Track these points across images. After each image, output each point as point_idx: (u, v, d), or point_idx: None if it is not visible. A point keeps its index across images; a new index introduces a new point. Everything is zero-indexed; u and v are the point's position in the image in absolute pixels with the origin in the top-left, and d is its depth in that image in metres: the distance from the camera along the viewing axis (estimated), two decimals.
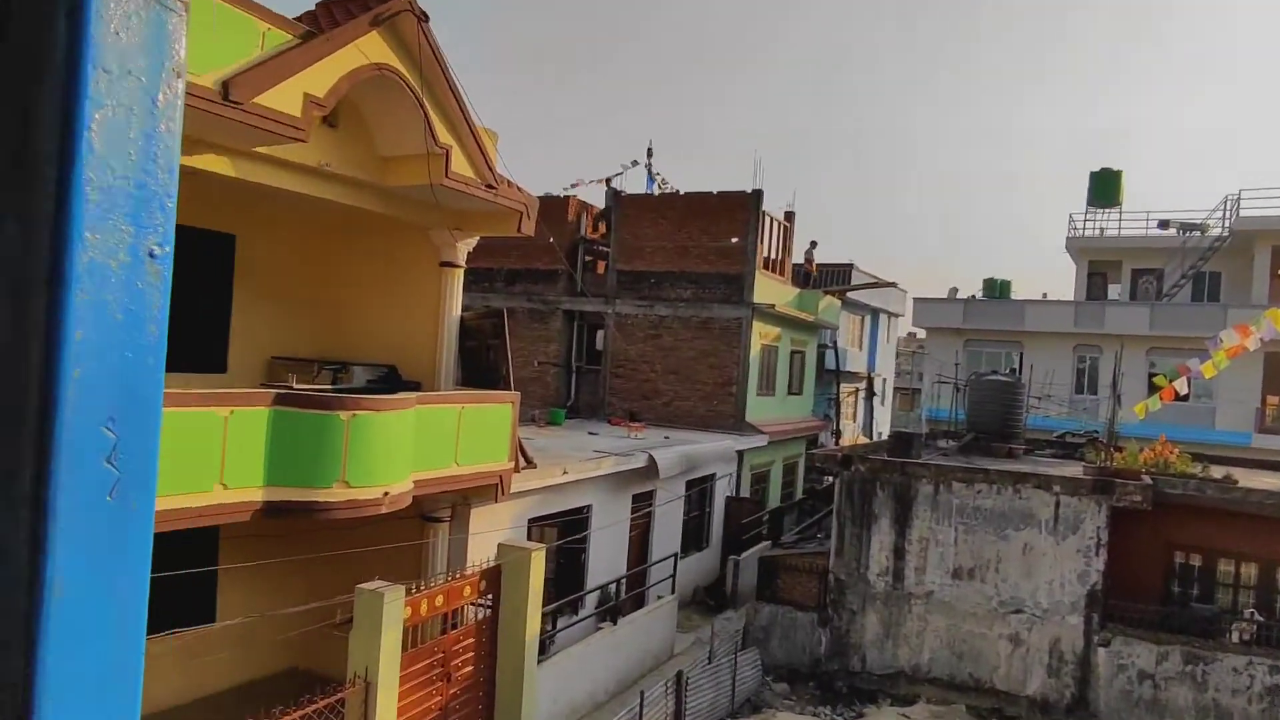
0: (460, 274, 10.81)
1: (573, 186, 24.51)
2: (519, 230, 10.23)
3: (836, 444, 25.02)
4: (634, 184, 24.84)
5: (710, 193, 21.76)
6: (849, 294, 29.40)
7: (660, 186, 24.35)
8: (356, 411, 7.72)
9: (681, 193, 22.65)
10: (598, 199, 24.61)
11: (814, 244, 27.69)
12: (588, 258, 23.91)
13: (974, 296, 33.20)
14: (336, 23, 7.73)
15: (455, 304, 10.77)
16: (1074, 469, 15.15)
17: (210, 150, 7.54)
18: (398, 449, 8.25)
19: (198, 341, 10.05)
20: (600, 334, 22.59)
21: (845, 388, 29.48)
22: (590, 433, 18.20)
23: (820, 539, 17.82)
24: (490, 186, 9.53)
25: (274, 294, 10.92)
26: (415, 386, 10.58)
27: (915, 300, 33.54)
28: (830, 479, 19.02)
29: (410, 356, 10.83)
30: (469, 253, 11.39)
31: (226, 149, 7.65)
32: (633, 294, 22.12)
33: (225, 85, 6.68)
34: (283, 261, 11.03)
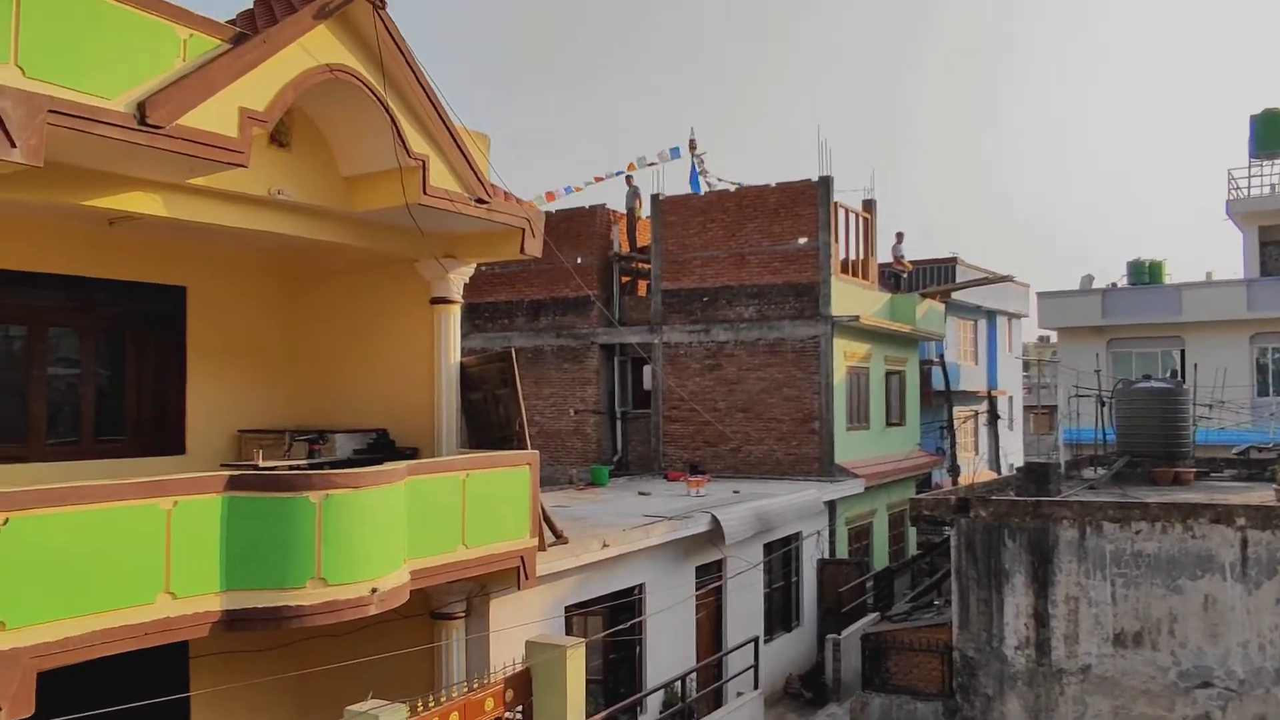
0: (456, 311, 10.76)
1: (594, 181, 24.52)
2: (522, 251, 10.16)
3: (954, 483, 24.33)
4: (673, 183, 24.63)
5: (768, 185, 21.60)
6: (954, 295, 28.82)
7: (708, 183, 24.22)
8: (330, 491, 7.62)
9: (733, 188, 22.51)
10: (618, 198, 24.56)
11: (900, 236, 27.32)
12: (625, 278, 23.91)
13: (1115, 285, 32.29)
14: (276, 20, 7.77)
15: (453, 348, 10.72)
16: (1263, 493, 14.41)
17: (134, 187, 7.60)
18: (387, 533, 8.12)
19: (147, 418, 10.13)
20: (647, 370, 22.47)
21: (960, 411, 28.81)
22: (641, 493, 18.01)
23: (939, 606, 17.24)
24: (481, 200, 9.47)
25: (237, 354, 10.99)
26: (411, 454, 10.51)
27: (1040, 296, 32.73)
28: (947, 529, 18.45)
29: (403, 417, 10.80)
30: (469, 284, 11.36)
31: (153, 184, 7.70)
32: (683, 317, 21.99)
33: (141, 107, 6.72)
34: (245, 314, 11.12)
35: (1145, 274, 31.22)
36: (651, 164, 23.73)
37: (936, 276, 30.07)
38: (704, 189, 23.90)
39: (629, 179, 24.08)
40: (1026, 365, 46.45)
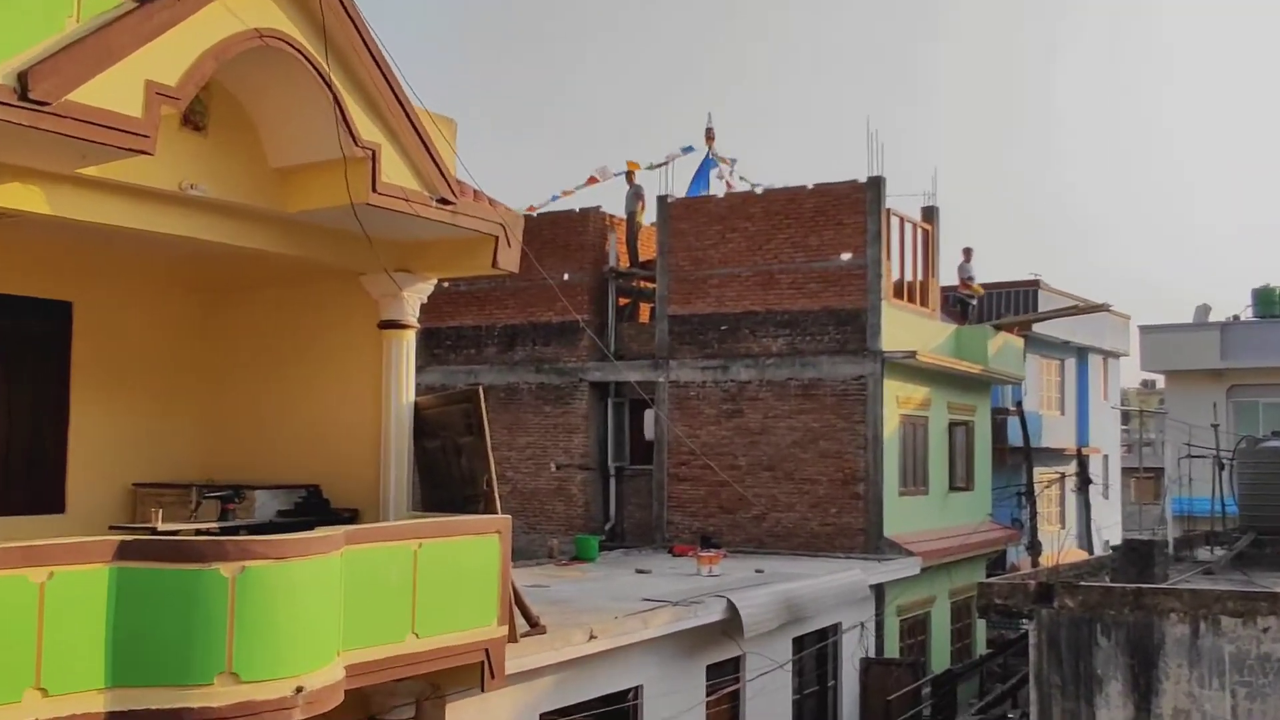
0: (411, 338, 10.80)
1: (588, 184, 24.59)
2: (495, 264, 10.21)
3: (1034, 564, 24.25)
4: (685, 183, 24.69)
5: (803, 187, 21.75)
6: (1036, 327, 28.90)
7: (729, 182, 24.33)
8: (247, 563, 7.59)
9: (760, 189, 22.65)
10: (616, 201, 24.66)
11: (969, 253, 27.39)
12: (623, 300, 23.96)
13: (1237, 317, 32.39)
14: None
15: (406, 384, 10.74)
16: None
17: (9, 177, 7.63)
18: (317, 617, 8.08)
19: (17, 466, 10.11)
20: (649, 416, 22.46)
21: (1042, 474, 28.74)
22: (639, 570, 17.97)
23: None
24: (444, 201, 9.51)
25: (134, 387, 10.99)
26: (351, 517, 10.51)
27: (1143, 331, 32.89)
28: (1025, 622, 18.35)
29: (341, 471, 10.78)
30: (428, 304, 11.39)
31: (35, 174, 7.74)
32: (694, 350, 22.06)
33: (22, 78, 6.76)
34: (145, 338, 11.14)
35: (1275, 302, 31.33)
36: (660, 164, 23.87)
37: (1013, 304, 30.18)
38: (718, 189, 24.01)
39: (630, 176, 24.23)
40: (1126, 417, 46.41)
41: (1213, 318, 32.77)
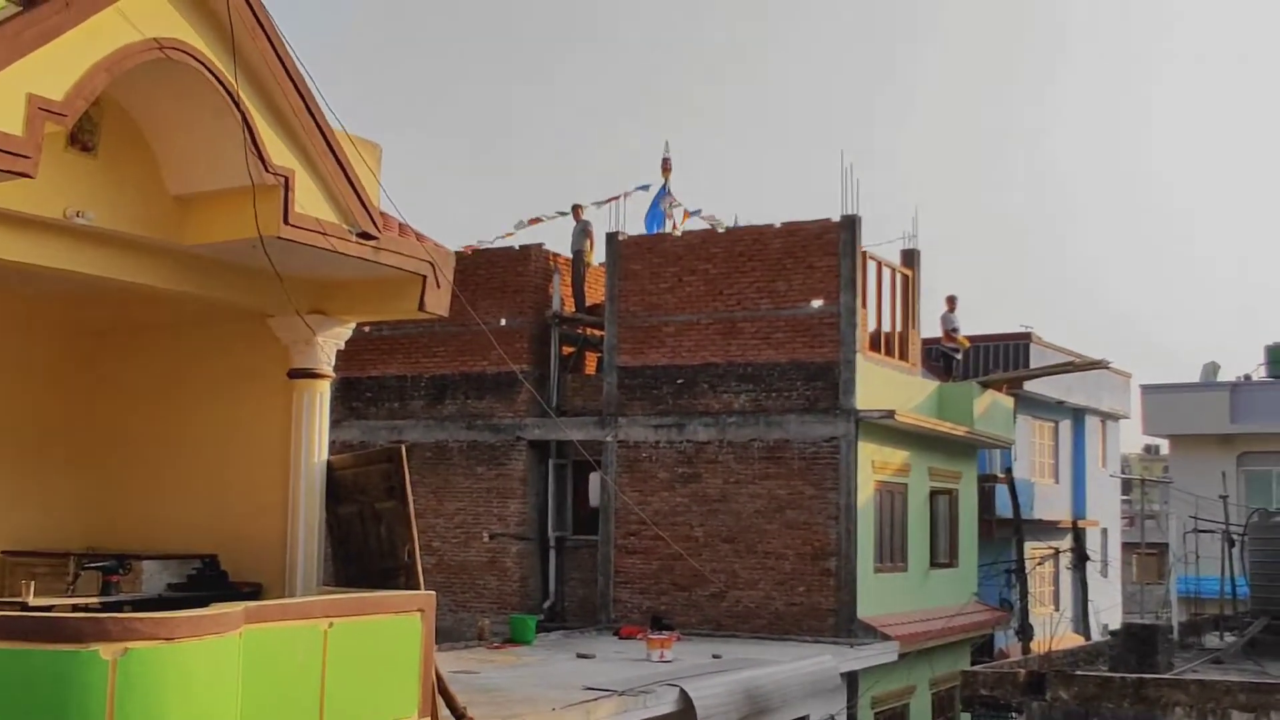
0: (326, 389, 10.77)
1: (527, 224, 24.63)
2: (422, 307, 10.20)
3: (1025, 650, 24.33)
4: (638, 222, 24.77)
5: (770, 226, 21.94)
6: (1027, 385, 29.18)
7: (673, 219, 24.43)
8: (131, 644, 7.49)
9: (722, 228, 22.82)
10: (562, 239, 24.73)
11: (953, 302, 27.67)
12: (568, 349, 23.96)
13: (1249, 377, 32.89)
14: None
15: (319, 441, 10.68)
16: None
17: None
18: (211, 706, 7.98)
19: None
20: (594, 480, 22.43)
21: (1035, 549, 28.93)
22: (581, 655, 17.89)
23: None
24: (366, 235, 9.51)
25: (3, 444, 10.82)
26: (252, 592, 10.39)
27: (1145, 391, 33.29)
28: (1014, 716, 18.38)
29: (241, 539, 10.69)
30: (346, 351, 11.37)
31: None
32: (647, 406, 22.10)
33: None
34: (17, 386, 10.99)
35: None
36: (612, 199, 23.99)
37: (1002, 359, 30.48)
38: (678, 227, 24.14)
39: (577, 210, 24.33)
40: (1127, 486, 46.80)
41: (1222, 377, 33.22)
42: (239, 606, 8.51)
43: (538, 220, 24.99)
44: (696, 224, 24.13)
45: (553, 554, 23.03)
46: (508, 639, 19.72)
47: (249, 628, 8.43)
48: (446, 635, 19.90)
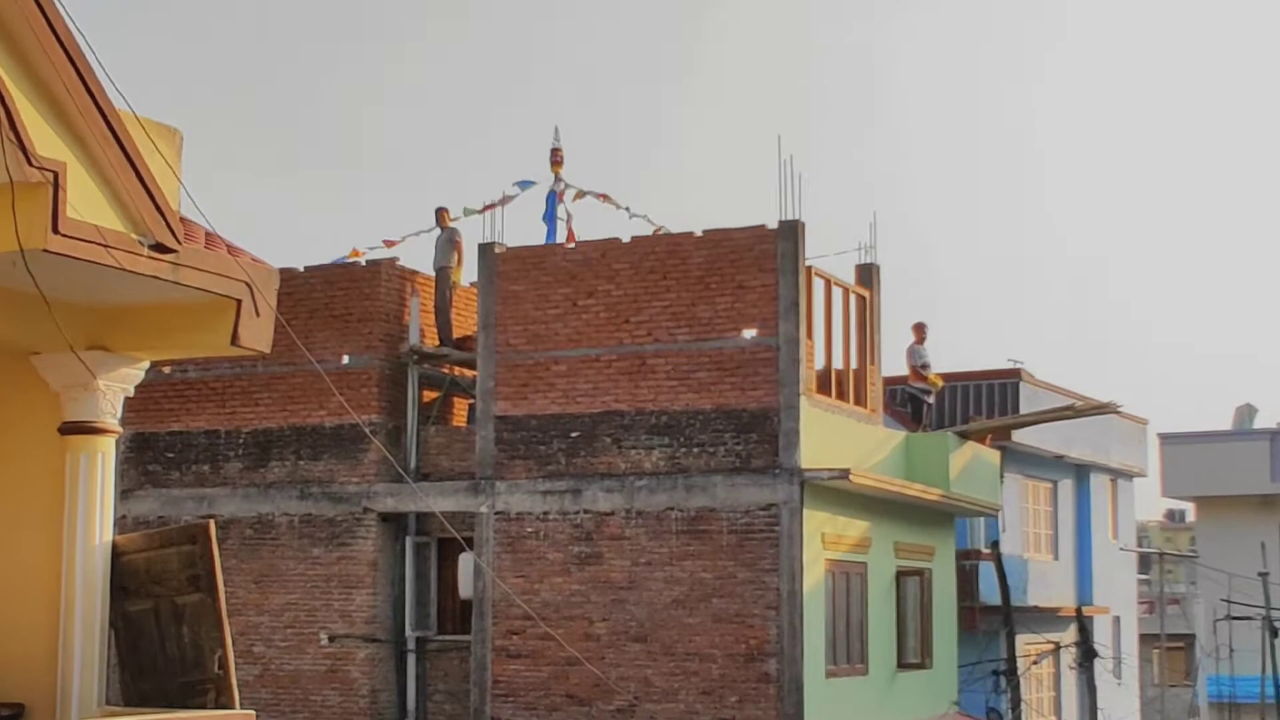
0: (109, 448, 10.69)
1: (385, 246, 24.62)
2: (236, 340, 10.14)
3: None
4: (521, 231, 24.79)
5: (689, 234, 22.04)
6: (1017, 435, 29.50)
7: (569, 225, 24.53)
8: None
9: (628, 238, 22.89)
10: (424, 256, 24.77)
11: (922, 331, 27.79)
12: (430, 394, 23.85)
13: None
14: None
15: (102, 517, 10.56)
16: None
17: None
18: None
19: None
20: (465, 563, 22.29)
21: (1029, 643, 29.24)
22: None
23: None
24: (162, 247, 9.41)
25: None
26: (12, 716, 10.31)
27: (1165, 441, 33.75)
28: None
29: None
30: (138, 398, 11.24)
31: None
32: (533, 466, 22.10)
33: None
34: None
35: None
36: (488, 207, 23.93)
37: (986, 401, 30.80)
38: (567, 236, 24.20)
39: (442, 216, 24.29)
40: (1145, 562, 47.40)
41: (1260, 422, 33.82)
42: None
43: (391, 244, 25.07)
44: (592, 211, 24.24)
45: (411, 660, 22.88)
46: None
47: None
48: None
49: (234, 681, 10.16)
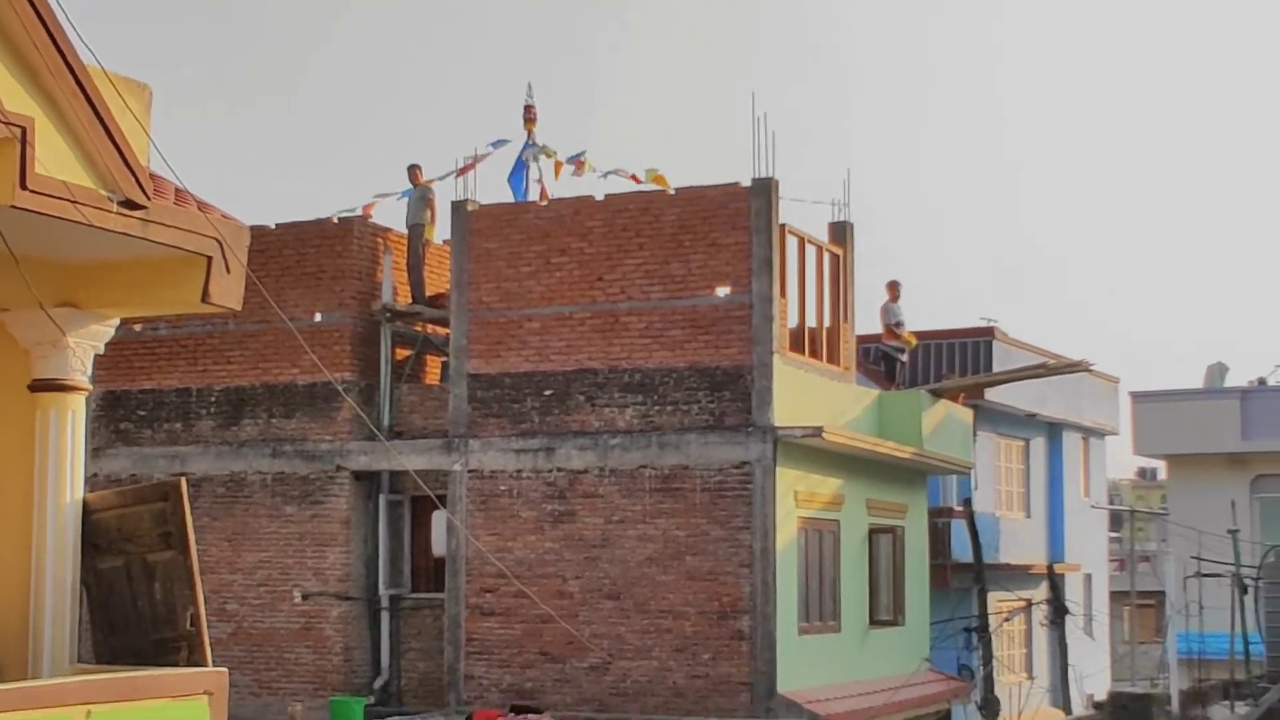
0: (80, 405, 10.64)
1: (364, 211, 24.45)
2: (207, 297, 10.11)
3: None
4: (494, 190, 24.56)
5: (661, 191, 21.98)
6: (990, 393, 29.56)
7: (541, 184, 24.45)
8: None
9: (602, 196, 22.83)
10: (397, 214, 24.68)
11: (896, 289, 27.78)
12: (403, 353, 23.80)
13: (1264, 381, 33.67)
14: None
15: (73, 475, 10.53)
16: None
17: None
18: None
19: None
20: (439, 521, 22.30)
21: (1001, 600, 29.36)
22: None
23: None
24: (131, 203, 9.39)
25: None
26: None
27: (1136, 399, 33.81)
28: None
29: None
30: (109, 356, 11.21)
31: None
32: (506, 424, 22.09)
33: None
34: None
35: None
36: (464, 170, 23.77)
37: (959, 359, 30.82)
38: (540, 194, 24.10)
39: (415, 173, 24.19)
40: (1116, 520, 47.55)
41: (1231, 381, 33.87)
42: None
43: (376, 202, 24.92)
44: (570, 182, 24.16)
45: (385, 617, 22.91)
46: None
47: None
48: None
49: (206, 639, 10.12)
